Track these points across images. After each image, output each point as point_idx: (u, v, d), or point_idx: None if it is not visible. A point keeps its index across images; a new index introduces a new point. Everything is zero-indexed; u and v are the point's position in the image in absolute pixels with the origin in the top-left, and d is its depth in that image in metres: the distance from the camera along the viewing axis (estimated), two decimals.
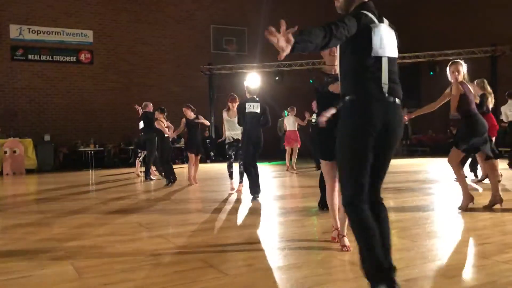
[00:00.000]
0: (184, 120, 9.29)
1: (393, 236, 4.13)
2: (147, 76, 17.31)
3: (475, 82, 7.77)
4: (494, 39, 15.93)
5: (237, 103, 7.56)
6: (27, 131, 15.07)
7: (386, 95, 2.37)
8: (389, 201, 6.14)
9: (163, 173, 10.00)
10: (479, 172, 8.35)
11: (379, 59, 2.38)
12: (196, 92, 17.55)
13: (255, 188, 6.81)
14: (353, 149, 2.37)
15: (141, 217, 5.58)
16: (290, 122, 11.88)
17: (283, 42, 1.97)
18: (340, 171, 2.49)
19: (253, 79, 16.15)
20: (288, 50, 1.99)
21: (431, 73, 16.15)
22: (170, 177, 9.34)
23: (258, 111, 6.96)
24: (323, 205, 5.30)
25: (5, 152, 13.53)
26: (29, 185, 10.93)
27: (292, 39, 1.98)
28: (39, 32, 15.83)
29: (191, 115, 9.23)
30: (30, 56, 15.72)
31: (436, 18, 18.03)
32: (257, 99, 7.10)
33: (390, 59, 2.41)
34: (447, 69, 5.40)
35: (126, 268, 3.28)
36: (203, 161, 16.99)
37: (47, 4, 15.90)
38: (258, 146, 6.98)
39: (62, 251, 3.87)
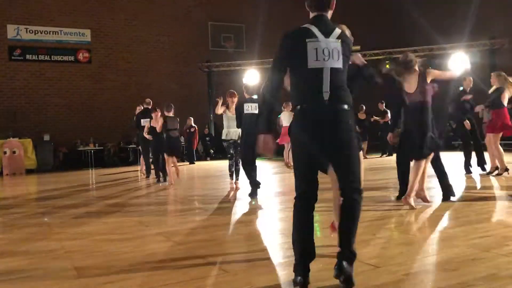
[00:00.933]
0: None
1: (393, 231, 4.14)
2: (146, 74, 17.28)
3: (492, 74, 7.77)
4: (493, 32, 15.89)
5: (236, 98, 7.52)
6: (26, 131, 15.06)
7: (327, 102, 2.61)
8: (389, 195, 6.13)
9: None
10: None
11: (318, 70, 2.62)
12: (195, 89, 17.53)
13: (254, 188, 6.78)
14: (299, 153, 2.72)
15: (141, 215, 5.58)
16: (285, 118, 11.68)
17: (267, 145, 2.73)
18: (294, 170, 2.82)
19: (251, 76, 16.14)
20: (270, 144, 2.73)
21: (430, 67, 16.11)
22: (160, 175, 9.34)
23: (256, 111, 6.89)
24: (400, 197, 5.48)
25: (5, 153, 13.52)
26: (29, 185, 10.92)
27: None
28: (36, 32, 15.79)
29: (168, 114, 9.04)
30: (28, 56, 15.69)
31: (435, 11, 17.98)
32: (256, 98, 7.05)
33: (332, 70, 2.64)
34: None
35: (126, 267, 3.27)
36: (203, 158, 17.02)
37: (44, 4, 15.84)
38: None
39: (62, 250, 3.87)
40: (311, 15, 2.77)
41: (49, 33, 15.99)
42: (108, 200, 7.15)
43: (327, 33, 2.66)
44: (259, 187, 6.82)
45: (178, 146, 9.01)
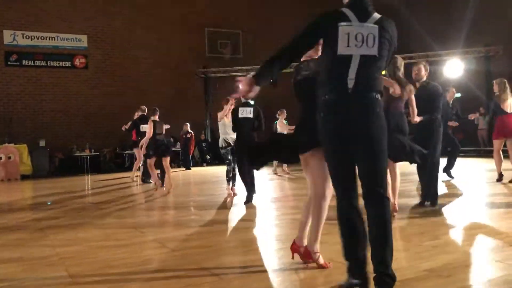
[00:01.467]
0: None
1: None
2: (142, 80, 17.28)
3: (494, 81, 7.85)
4: (488, 39, 16.02)
5: (232, 106, 7.49)
6: (22, 137, 15.00)
7: (350, 90, 2.39)
8: None
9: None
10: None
11: (347, 57, 2.41)
12: (191, 95, 17.55)
13: (249, 194, 6.78)
14: (328, 155, 2.54)
15: (136, 221, 5.57)
16: (280, 126, 11.48)
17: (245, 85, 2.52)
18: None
19: None
20: (251, 88, 2.51)
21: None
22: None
23: (251, 116, 6.81)
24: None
25: (0, 158, 13.46)
26: (24, 191, 10.87)
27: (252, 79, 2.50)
28: (33, 37, 15.78)
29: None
30: (24, 62, 15.66)
31: (430, 18, 18.11)
32: (252, 102, 7.03)
33: (364, 57, 2.41)
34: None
35: (121, 273, 3.26)
36: (199, 164, 17.00)
37: (41, 9, 15.84)
38: None
39: (56, 256, 3.85)
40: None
41: (46, 39, 15.98)
42: (104, 206, 7.13)
43: (364, 17, 2.43)
44: (254, 193, 6.82)
45: (165, 146, 8.88)
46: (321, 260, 3.13)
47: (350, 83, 2.38)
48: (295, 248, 3.24)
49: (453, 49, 16.18)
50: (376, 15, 2.49)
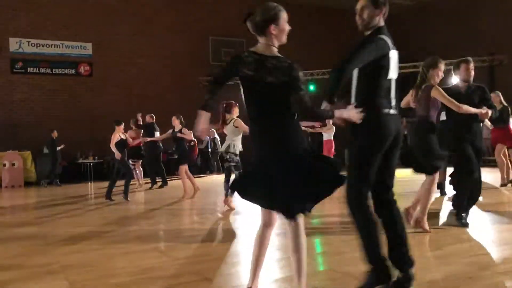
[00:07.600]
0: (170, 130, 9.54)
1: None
2: (146, 88, 17.34)
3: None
4: (492, 48, 16.01)
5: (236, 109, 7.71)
6: (26, 144, 15.05)
7: (392, 109, 2.75)
8: None
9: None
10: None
11: (391, 80, 2.77)
12: (195, 103, 17.47)
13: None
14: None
15: (137, 229, 5.55)
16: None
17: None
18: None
19: None
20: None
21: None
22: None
23: None
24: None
25: (4, 165, 13.50)
26: (27, 198, 10.88)
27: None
28: (38, 45, 15.89)
29: (178, 125, 9.40)
30: (29, 69, 15.76)
31: (434, 28, 18.12)
32: None
33: (395, 80, 2.81)
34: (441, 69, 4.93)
35: (121, 282, 3.25)
36: (202, 172, 16.99)
37: (46, 17, 15.98)
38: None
39: (57, 264, 3.84)
40: (381, 22, 2.77)
41: (51, 46, 16.09)
42: (105, 214, 7.12)
43: (393, 45, 2.77)
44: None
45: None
46: None
47: (393, 102, 2.77)
48: None
49: (456, 58, 16.17)
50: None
